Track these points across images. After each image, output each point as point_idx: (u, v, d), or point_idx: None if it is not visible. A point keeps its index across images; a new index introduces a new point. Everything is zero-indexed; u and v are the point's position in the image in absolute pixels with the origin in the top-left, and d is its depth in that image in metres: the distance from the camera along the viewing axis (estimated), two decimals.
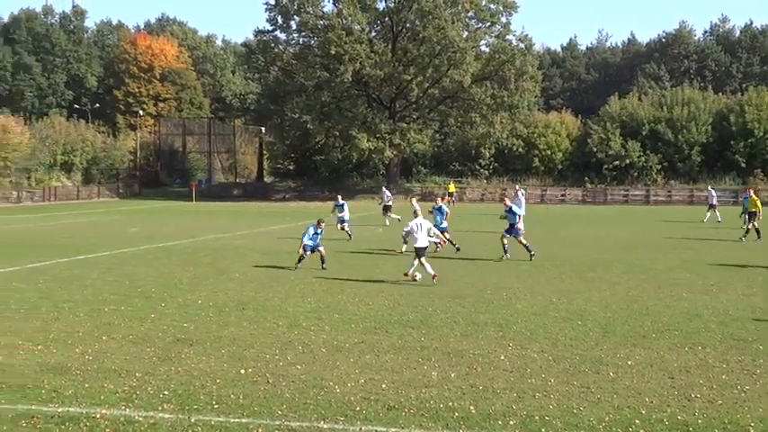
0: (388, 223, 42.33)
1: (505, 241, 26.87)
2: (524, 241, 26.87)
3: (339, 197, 36.65)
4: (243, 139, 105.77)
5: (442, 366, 12.16)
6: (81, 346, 13.34)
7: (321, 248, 24.48)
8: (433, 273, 20.88)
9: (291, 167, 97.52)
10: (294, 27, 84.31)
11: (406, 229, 22.20)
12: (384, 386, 11.05)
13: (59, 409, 9.94)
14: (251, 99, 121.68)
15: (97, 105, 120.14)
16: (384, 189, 51.18)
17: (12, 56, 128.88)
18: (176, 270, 23.73)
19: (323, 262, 24.27)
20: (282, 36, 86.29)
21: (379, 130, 78.54)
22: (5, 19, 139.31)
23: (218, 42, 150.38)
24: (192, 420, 9.56)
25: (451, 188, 74.66)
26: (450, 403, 10.33)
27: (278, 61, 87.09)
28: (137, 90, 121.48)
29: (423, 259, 21.27)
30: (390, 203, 44.80)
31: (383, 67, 77.16)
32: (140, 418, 9.61)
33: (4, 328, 14.90)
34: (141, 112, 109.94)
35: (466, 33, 79.93)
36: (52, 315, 16.20)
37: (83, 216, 53.73)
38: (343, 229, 33.94)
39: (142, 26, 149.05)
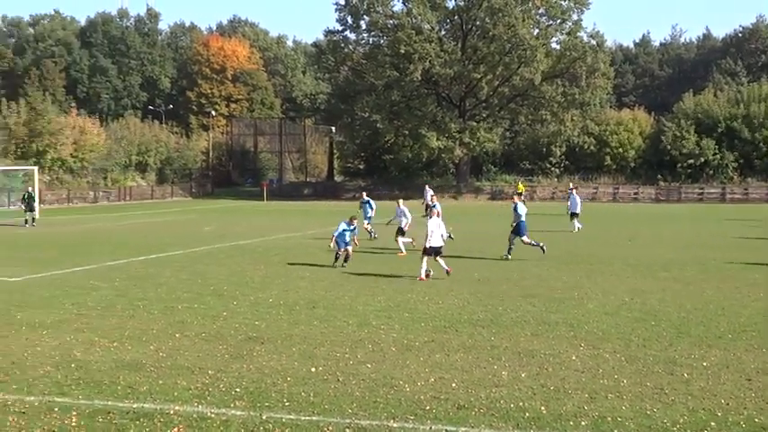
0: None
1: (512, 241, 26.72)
2: (528, 240, 26.69)
3: (364, 194, 36.39)
4: (313, 139, 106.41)
5: (513, 366, 12.08)
6: (155, 344, 13.56)
7: (349, 248, 24.66)
8: (423, 275, 21.46)
9: (361, 166, 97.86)
10: (364, 27, 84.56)
11: (428, 231, 22.01)
12: (454, 385, 11.02)
13: (134, 405, 10.10)
14: (321, 99, 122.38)
15: (171, 106, 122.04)
16: (426, 188, 51.14)
17: (89, 59, 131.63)
18: (248, 269, 23.98)
19: (345, 260, 24.40)
20: (352, 36, 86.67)
21: (449, 129, 78.33)
22: (82, 23, 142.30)
23: (289, 43, 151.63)
24: (264, 417, 9.64)
25: (521, 188, 74.26)
26: (521, 403, 10.25)
27: (348, 61, 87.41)
28: (209, 91, 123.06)
29: (427, 258, 21.71)
30: (431, 203, 44.17)
31: (453, 65, 76.95)
32: (213, 415, 9.72)
33: (82, 325, 15.21)
34: (214, 113, 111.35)
35: (536, 31, 79.30)
36: (128, 313, 16.49)
37: (157, 215, 54.62)
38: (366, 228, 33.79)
39: (214, 28, 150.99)
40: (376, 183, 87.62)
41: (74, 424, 9.39)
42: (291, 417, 9.69)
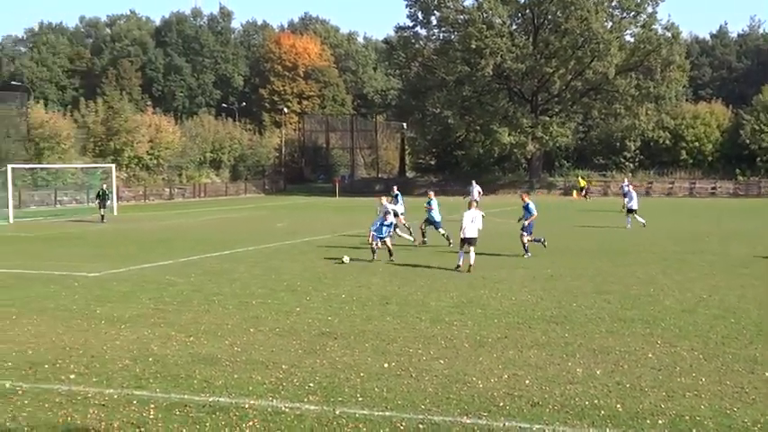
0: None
1: (525, 240, 26.15)
2: (525, 240, 26.02)
3: (395, 188, 35.37)
4: (385, 135, 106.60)
5: (587, 363, 11.94)
6: (230, 338, 13.72)
7: (388, 240, 24.98)
8: (460, 263, 22.56)
9: (433, 162, 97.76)
10: (434, 22, 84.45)
11: (463, 223, 23.02)
12: (528, 382, 10.94)
13: (210, 399, 10.23)
14: (392, 95, 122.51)
15: (244, 104, 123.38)
16: (474, 183, 50.68)
17: (164, 58, 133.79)
18: (320, 264, 24.12)
19: (390, 255, 24.86)
20: (423, 32, 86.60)
21: (521, 124, 77.79)
22: (157, 22, 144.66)
23: (360, 39, 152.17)
24: (337, 412, 9.68)
25: (582, 183, 73.46)
26: (596, 401, 10.13)
27: (419, 57, 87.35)
28: (281, 88, 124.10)
29: (465, 247, 22.84)
30: (478, 199, 43.08)
31: (524, 60, 76.41)
32: (287, 409, 9.80)
33: (159, 319, 15.46)
34: (286, 110, 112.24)
35: (610, 24, 78.28)
36: (203, 308, 16.72)
37: (230, 212, 55.28)
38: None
39: (286, 25, 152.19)
40: (447, 178, 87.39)
41: (152, 416, 9.55)
42: (365, 412, 9.72)
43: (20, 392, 10.54)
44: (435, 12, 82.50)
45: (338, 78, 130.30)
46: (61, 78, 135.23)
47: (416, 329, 14.43)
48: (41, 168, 64.03)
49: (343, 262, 24.54)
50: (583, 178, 75.81)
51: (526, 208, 26.70)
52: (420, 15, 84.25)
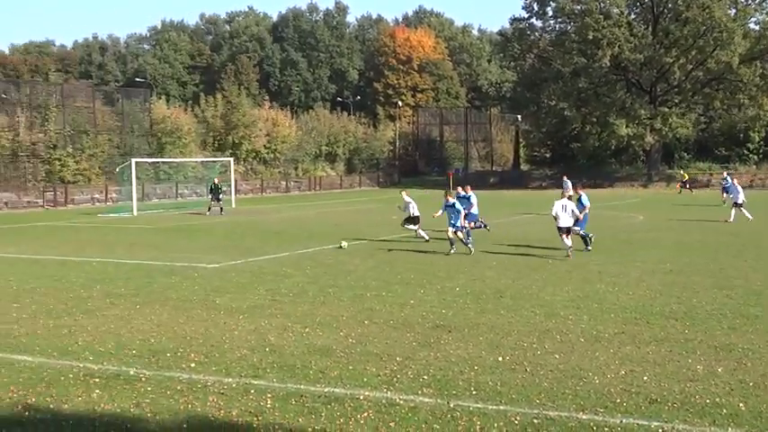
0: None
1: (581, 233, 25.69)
2: (578, 232, 25.40)
3: (467, 187, 32.57)
4: (499, 128, 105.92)
5: (708, 360, 11.62)
6: (345, 330, 13.85)
7: (457, 231, 25.18)
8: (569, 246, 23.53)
9: (548, 155, 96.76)
10: (550, 13, 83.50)
11: (556, 213, 23.98)
12: (645, 378, 10.71)
13: (325, 390, 10.35)
14: (507, 87, 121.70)
15: (358, 97, 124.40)
16: (565, 179, 49.63)
17: (280, 53, 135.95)
18: (434, 258, 24.13)
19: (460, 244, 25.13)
20: (538, 23, 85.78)
21: (639, 116, 76.16)
22: (275, 18, 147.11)
23: (475, 32, 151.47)
24: (451, 405, 9.67)
25: (685, 176, 71.58)
26: (717, 399, 9.85)
27: (534, 48, 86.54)
28: (395, 82, 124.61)
29: (565, 236, 23.72)
30: (572, 193, 41.76)
31: (643, 50, 74.78)
32: (401, 401, 9.84)
33: (275, 310, 15.73)
34: (400, 103, 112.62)
35: (733, 11, 75.89)
36: (319, 299, 16.93)
37: (345, 205, 55.84)
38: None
39: (400, 19, 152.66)
40: (563, 171, 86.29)
41: (269, 406, 9.72)
42: (479, 405, 9.68)
43: (143, 379, 10.88)
44: (551, 2, 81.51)
45: (452, 71, 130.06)
46: (182, 74, 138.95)
47: (531, 323, 14.30)
48: (163, 162, 65.92)
49: (341, 247, 25.89)
50: (685, 173, 73.85)
51: (579, 200, 26.37)
52: (536, 6, 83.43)
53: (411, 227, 29.66)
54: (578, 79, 79.59)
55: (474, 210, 29.97)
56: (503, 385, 10.47)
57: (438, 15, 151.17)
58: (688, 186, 69.29)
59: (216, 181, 46.89)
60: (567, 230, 23.81)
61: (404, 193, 30.54)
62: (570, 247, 23.67)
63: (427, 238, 28.54)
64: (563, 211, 23.90)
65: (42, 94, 65.73)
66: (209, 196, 47.00)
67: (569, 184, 46.00)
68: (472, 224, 28.75)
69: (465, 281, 19.33)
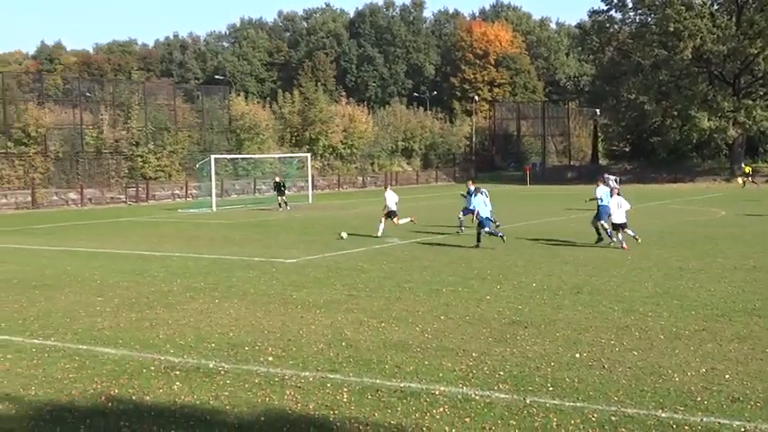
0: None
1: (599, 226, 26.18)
2: (602, 225, 25.98)
3: (469, 183, 34.31)
4: (577, 122, 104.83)
5: None
6: (421, 325, 13.86)
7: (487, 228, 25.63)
8: (624, 245, 24.42)
9: (627, 149, 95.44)
10: (630, 5, 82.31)
11: (610, 211, 25.07)
12: (727, 377, 10.49)
13: (401, 384, 10.38)
14: (585, 81, 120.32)
15: (434, 93, 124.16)
16: (606, 175, 48.73)
17: (357, 49, 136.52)
18: (510, 253, 23.99)
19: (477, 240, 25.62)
20: (618, 15, 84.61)
21: (721, 109, 74.56)
22: (351, 14, 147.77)
23: (553, 25, 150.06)
24: (527, 401, 9.61)
25: (747, 169, 69.87)
26: None
27: (613, 41, 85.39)
28: (472, 76, 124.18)
29: (620, 233, 24.68)
30: (618, 186, 40.28)
31: (726, 41, 73.16)
32: (477, 397, 9.81)
33: (352, 306, 15.82)
34: (476, 98, 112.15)
35: None
36: (394, 294, 16.97)
37: (421, 200, 55.81)
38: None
39: (477, 13, 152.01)
40: (642, 166, 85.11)
41: (345, 400, 9.79)
42: (555, 402, 9.61)
43: (222, 372, 11.04)
44: None
45: (530, 65, 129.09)
46: (260, 71, 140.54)
47: (609, 319, 14.13)
48: (242, 158, 66.74)
49: (341, 237, 26.85)
50: (748, 166, 72.15)
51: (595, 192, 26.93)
52: None
53: (403, 221, 30.94)
54: (659, 72, 78.27)
55: (471, 206, 28.66)
56: (580, 382, 10.37)
57: (515, 9, 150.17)
58: (752, 179, 67.84)
59: (276, 179, 47.65)
60: (621, 227, 24.73)
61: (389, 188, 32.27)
62: (622, 241, 24.58)
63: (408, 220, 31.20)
64: (618, 208, 24.77)
65: (125, 92, 67.14)
66: (275, 194, 47.69)
67: (612, 178, 45.02)
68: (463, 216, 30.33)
69: (542, 276, 19.19)
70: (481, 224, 25.72)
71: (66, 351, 12.37)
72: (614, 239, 25.16)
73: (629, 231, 24.76)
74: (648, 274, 19.25)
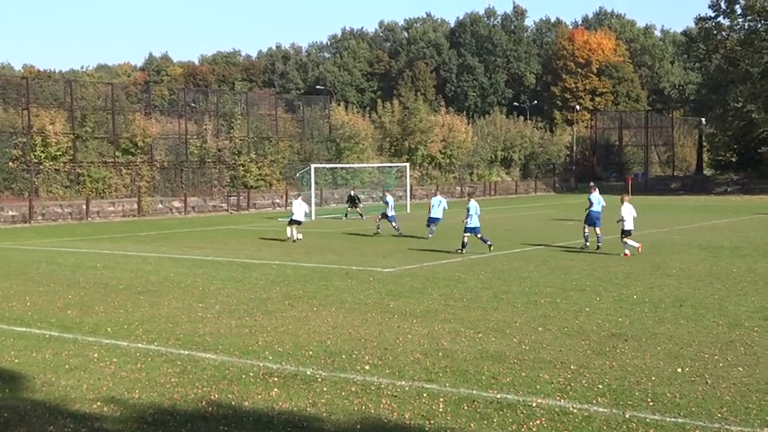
0: None
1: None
2: (597, 232, 27.98)
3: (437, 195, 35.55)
4: (681, 131, 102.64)
5: None
6: (518, 336, 13.75)
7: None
8: (637, 245, 25.63)
9: (734, 159, 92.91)
10: (739, 11, 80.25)
11: (621, 216, 26.40)
12: None
13: (498, 396, 10.30)
14: (690, 89, 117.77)
15: (535, 102, 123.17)
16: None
17: (457, 58, 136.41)
18: (610, 264, 23.63)
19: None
20: (726, 22, 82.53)
21: None
22: (452, 24, 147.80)
23: (657, 33, 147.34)
24: (627, 416, 9.44)
25: None
26: None
27: (720, 49, 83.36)
28: (573, 85, 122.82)
29: (628, 239, 25.97)
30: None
31: None
32: (575, 410, 9.68)
33: (449, 315, 15.78)
34: (578, 107, 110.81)
35: None
36: (492, 305, 16.87)
37: (521, 210, 55.38)
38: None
39: (580, 21, 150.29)
40: (749, 176, 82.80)
41: (441, 410, 9.76)
42: (656, 417, 9.41)
43: (319, 380, 11.14)
44: (740, 0, 78.26)
45: (633, 74, 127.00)
46: (361, 81, 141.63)
47: (713, 334, 13.78)
48: (341, 168, 67.30)
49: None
50: None
51: (589, 199, 29.07)
52: (723, 5, 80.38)
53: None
54: None
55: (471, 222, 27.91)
56: (682, 397, 10.13)
57: (619, 17, 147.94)
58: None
59: (351, 193, 48.57)
60: (629, 233, 26.33)
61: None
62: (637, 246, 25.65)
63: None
64: (629, 214, 26.44)
65: (228, 102, 68.54)
66: (347, 206, 49.02)
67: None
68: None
69: (643, 288, 18.83)
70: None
71: (168, 356, 12.66)
72: (595, 244, 27.68)
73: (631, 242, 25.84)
74: (755, 288, 18.71)
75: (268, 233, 36.89)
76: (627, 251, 25.71)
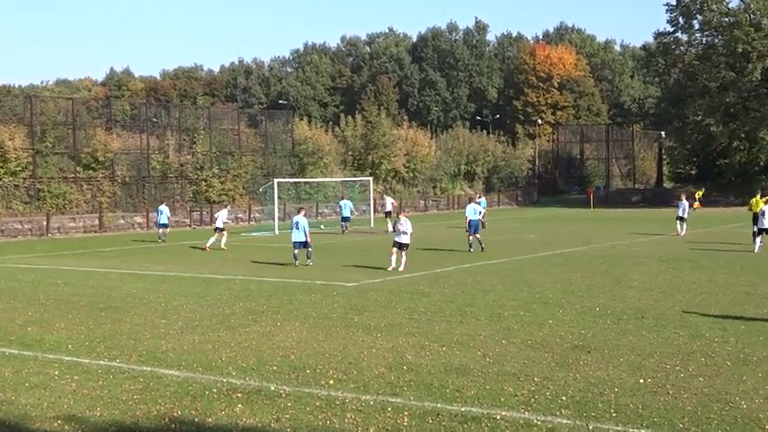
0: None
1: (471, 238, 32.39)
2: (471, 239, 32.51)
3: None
4: (642, 145, 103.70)
5: None
6: (482, 349, 13.79)
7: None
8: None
9: (693, 172, 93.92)
10: (697, 26, 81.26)
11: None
12: None
13: (462, 409, 10.32)
14: (650, 103, 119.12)
15: (497, 116, 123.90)
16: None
17: (419, 73, 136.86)
18: (573, 277, 23.79)
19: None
20: (684, 37, 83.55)
21: None
22: (414, 39, 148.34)
23: (617, 47, 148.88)
24: (590, 428, 9.50)
25: (699, 193, 68.65)
26: None
27: (679, 63, 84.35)
28: (535, 99, 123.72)
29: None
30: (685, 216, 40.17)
31: None
32: (538, 422, 9.72)
33: (413, 329, 15.79)
34: (540, 121, 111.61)
35: None
36: (456, 318, 16.91)
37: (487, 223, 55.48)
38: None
39: (541, 36, 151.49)
40: (709, 189, 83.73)
41: (405, 424, 9.76)
42: (619, 428, 9.48)
43: (283, 395, 11.09)
44: (698, 15, 79.31)
45: (594, 88, 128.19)
46: (323, 96, 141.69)
47: (674, 345, 13.91)
48: (304, 182, 67.20)
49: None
50: (700, 191, 71.29)
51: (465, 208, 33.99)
52: (681, 20, 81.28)
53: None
54: (726, 94, 77.09)
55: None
56: (644, 408, 10.22)
57: (579, 31, 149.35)
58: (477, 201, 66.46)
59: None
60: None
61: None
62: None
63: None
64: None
65: (190, 117, 68.14)
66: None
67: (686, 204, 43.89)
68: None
69: (605, 300, 18.97)
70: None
71: (130, 373, 12.55)
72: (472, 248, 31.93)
73: None
74: (715, 299, 18.93)
75: (231, 249, 36.69)
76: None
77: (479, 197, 37.92)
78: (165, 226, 42.82)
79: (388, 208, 48.09)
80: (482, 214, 33.66)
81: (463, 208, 39.59)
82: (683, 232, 39.17)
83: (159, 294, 21.45)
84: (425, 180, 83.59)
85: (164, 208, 43.94)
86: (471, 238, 32.83)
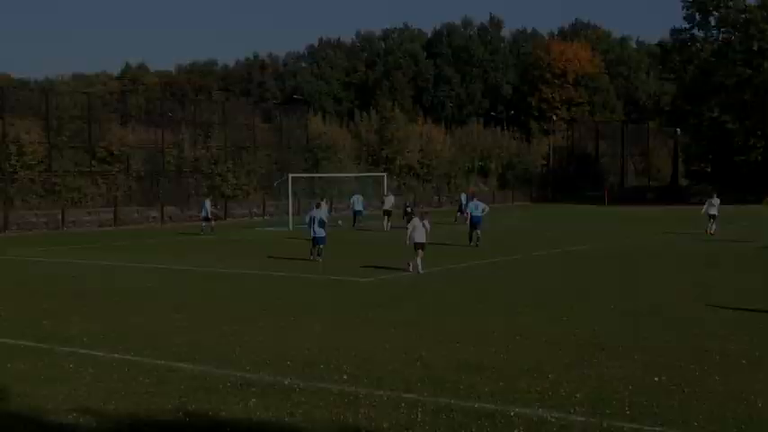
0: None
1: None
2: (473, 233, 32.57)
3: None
4: (657, 141, 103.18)
5: None
6: (496, 346, 13.76)
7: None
8: None
9: (708, 169, 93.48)
10: (713, 23, 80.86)
11: None
12: None
13: (476, 405, 10.30)
14: (665, 100, 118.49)
15: (512, 112, 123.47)
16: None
17: (433, 68, 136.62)
18: (586, 274, 23.73)
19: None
20: (700, 34, 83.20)
21: None
22: (429, 34, 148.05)
23: (633, 44, 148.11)
24: (604, 425, 9.47)
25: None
26: None
27: (695, 60, 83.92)
28: (550, 96, 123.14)
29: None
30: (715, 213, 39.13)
31: None
32: (552, 419, 9.70)
33: (427, 325, 15.76)
34: (554, 118, 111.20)
35: None
36: (470, 314, 16.89)
37: (497, 220, 55.42)
38: None
39: (556, 32, 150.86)
40: (725, 186, 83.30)
41: (419, 419, 9.75)
42: (633, 426, 9.45)
43: (297, 389, 11.10)
44: (714, 12, 78.98)
45: (609, 84, 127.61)
46: (338, 91, 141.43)
47: (689, 343, 13.86)
48: (318, 177, 67.19)
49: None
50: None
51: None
52: (698, 17, 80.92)
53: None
54: (742, 91, 76.73)
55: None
56: (658, 406, 10.18)
57: (595, 28, 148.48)
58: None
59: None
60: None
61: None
62: None
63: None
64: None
65: (205, 112, 68.24)
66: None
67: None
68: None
69: (619, 298, 18.91)
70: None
71: (145, 366, 12.58)
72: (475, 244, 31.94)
73: None
74: (732, 298, 18.83)
75: (246, 242, 36.74)
76: None
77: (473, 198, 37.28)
78: (207, 219, 43.16)
79: (388, 207, 47.71)
80: (483, 211, 33.28)
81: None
82: (714, 230, 37.81)
83: (174, 288, 21.52)
84: (439, 176, 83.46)
85: (206, 202, 44.50)
86: (473, 233, 33.02)
